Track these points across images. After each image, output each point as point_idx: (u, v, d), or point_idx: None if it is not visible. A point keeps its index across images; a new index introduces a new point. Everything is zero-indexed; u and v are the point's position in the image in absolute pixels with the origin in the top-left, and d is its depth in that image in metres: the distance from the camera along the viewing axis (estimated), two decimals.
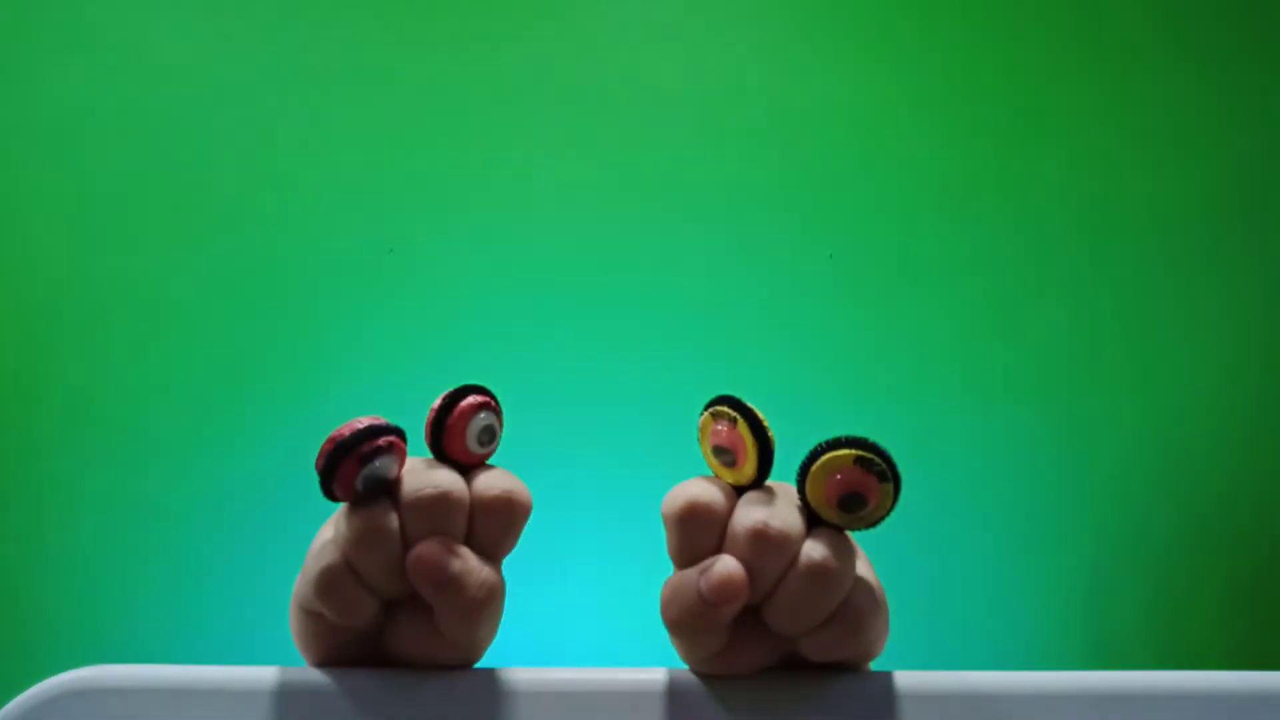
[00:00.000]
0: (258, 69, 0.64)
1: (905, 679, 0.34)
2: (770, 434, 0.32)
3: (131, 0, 0.64)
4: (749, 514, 0.32)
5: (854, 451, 0.31)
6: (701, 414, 0.34)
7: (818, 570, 0.31)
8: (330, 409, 0.60)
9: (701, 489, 0.33)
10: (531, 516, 0.35)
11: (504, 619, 0.34)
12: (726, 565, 0.31)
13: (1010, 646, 0.60)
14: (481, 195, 0.63)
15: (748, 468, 0.33)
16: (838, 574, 0.31)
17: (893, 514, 0.32)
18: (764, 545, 0.31)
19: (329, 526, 0.34)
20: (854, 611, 0.32)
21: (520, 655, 0.58)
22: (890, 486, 0.31)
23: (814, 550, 0.31)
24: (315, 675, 0.33)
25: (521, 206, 0.63)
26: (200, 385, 0.60)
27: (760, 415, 0.32)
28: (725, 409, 0.33)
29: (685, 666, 0.35)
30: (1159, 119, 0.65)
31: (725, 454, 0.33)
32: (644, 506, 0.62)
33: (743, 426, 0.32)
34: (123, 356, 0.60)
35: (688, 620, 0.31)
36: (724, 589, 0.31)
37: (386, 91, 0.64)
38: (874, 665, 0.36)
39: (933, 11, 0.66)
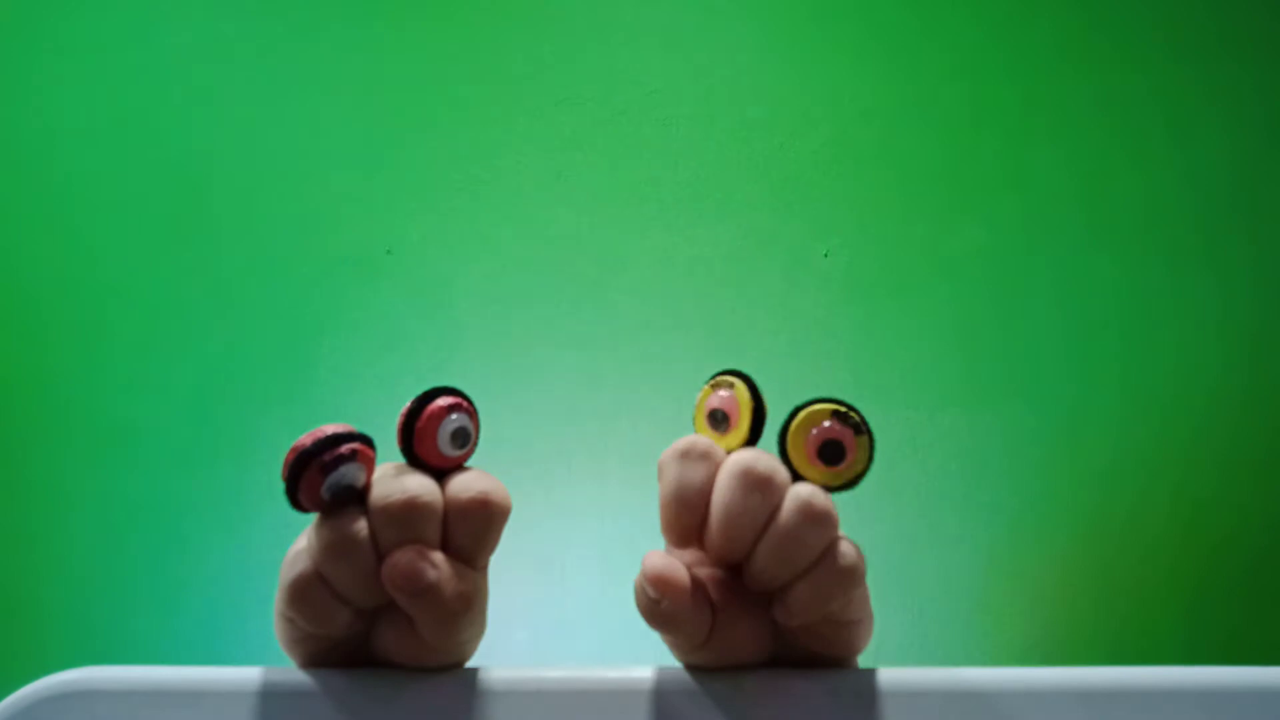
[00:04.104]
0: (256, 72, 0.64)
1: (894, 675, 0.34)
2: (764, 402, 0.34)
3: (130, 6, 0.64)
4: (738, 457, 0.33)
5: (831, 405, 0.33)
6: (701, 389, 0.36)
7: (805, 504, 0.31)
8: (329, 409, 0.60)
9: (699, 436, 0.34)
10: (530, 517, 0.35)
11: (505, 619, 0.34)
12: (653, 558, 0.32)
13: (1005, 642, 0.60)
14: (479, 196, 0.64)
15: (740, 427, 0.34)
16: (824, 511, 0.31)
17: (869, 473, 0.33)
18: (751, 482, 0.32)
19: (303, 536, 0.34)
20: (840, 554, 0.32)
21: (520, 655, 0.58)
22: (866, 440, 0.33)
23: (801, 489, 0.32)
24: (304, 676, 0.34)
25: (520, 208, 0.64)
26: (198, 386, 0.61)
27: (757, 384, 0.34)
28: (727, 377, 0.35)
29: (677, 665, 0.35)
30: (1155, 117, 0.65)
31: (720, 420, 0.34)
32: (643, 506, 0.62)
33: (741, 389, 0.34)
34: (121, 357, 0.61)
35: (647, 618, 0.32)
36: (658, 580, 0.31)
37: (384, 94, 0.64)
38: (861, 662, 0.36)
39: (932, 11, 0.66)
